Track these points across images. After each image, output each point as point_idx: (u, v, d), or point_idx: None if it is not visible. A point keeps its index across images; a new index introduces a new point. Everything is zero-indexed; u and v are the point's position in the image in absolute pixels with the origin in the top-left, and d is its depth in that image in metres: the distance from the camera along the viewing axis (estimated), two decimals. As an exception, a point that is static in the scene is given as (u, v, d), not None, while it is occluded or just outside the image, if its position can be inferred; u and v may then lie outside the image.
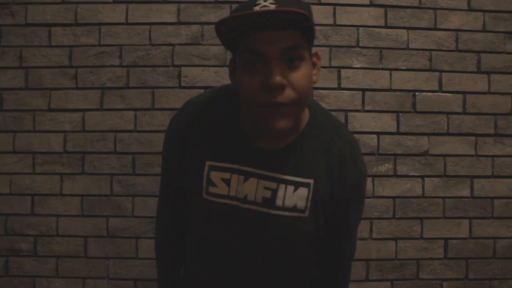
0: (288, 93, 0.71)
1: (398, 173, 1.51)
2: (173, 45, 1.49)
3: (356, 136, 1.49)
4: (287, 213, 0.82)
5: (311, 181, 0.82)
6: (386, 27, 1.51)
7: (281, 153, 0.82)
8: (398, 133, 1.51)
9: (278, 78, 0.69)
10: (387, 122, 1.51)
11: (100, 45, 1.48)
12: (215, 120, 0.85)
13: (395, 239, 1.50)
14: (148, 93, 1.48)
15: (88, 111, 1.48)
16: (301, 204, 0.82)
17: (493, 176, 1.52)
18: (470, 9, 1.52)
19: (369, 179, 1.50)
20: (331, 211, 0.85)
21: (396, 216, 1.51)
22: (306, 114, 0.85)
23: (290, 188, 0.82)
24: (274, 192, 0.81)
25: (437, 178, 1.52)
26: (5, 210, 1.48)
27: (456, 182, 1.52)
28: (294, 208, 0.82)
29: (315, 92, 1.49)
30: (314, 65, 0.80)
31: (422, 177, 1.51)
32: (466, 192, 1.52)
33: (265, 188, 0.82)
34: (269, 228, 0.83)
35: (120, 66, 1.48)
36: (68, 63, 1.48)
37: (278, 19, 0.67)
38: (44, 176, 1.48)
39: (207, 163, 0.84)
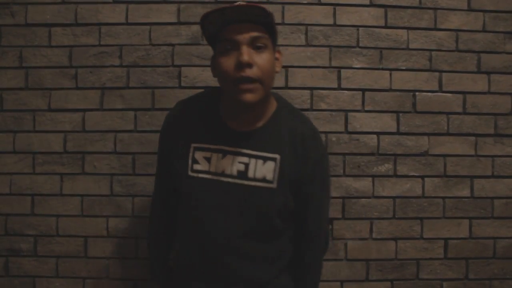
0: (255, 71, 0.91)
1: (398, 173, 1.51)
2: (173, 45, 1.49)
3: (356, 136, 1.50)
4: (258, 184, 0.99)
5: (277, 156, 1.00)
6: (386, 27, 1.51)
7: (252, 133, 1.01)
8: (398, 133, 1.51)
9: (246, 58, 0.89)
10: (387, 122, 1.51)
11: (100, 45, 1.48)
12: (199, 112, 1.05)
13: (395, 239, 1.50)
14: (148, 93, 1.48)
15: (88, 111, 1.48)
16: (269, 175, 0.99)
17: (493, 176, 1.52)
18: (470, 9, 1.52)
19: (369, 179, 1.50)
20: (297, 186, 1.01)
21: (396, 216, 1.51)
22: (273, 105, 1.05)
23: (260, 161, 0.99)
24: (247, 165, 0.99)
25: (437, 178, 1.51)
26: (5, 210, 1.48)
27: (456, 182, 1.52)
28: (263, 179, 0.99)
29: (315, 92, 1.49)
30: (276, 59, 1.01)
31: (422, 177, 1.51)
32: (466, 192, 1.52)
33: (239, 162, 0.99)
34: (244, 198, 0.99)
35: (120, 66, 1.48)
36: (68, 63, 1.48)
37: (246, 13, 0.89)
38: (44, 176, 1.48)
39: (192, 145, 1.02)
